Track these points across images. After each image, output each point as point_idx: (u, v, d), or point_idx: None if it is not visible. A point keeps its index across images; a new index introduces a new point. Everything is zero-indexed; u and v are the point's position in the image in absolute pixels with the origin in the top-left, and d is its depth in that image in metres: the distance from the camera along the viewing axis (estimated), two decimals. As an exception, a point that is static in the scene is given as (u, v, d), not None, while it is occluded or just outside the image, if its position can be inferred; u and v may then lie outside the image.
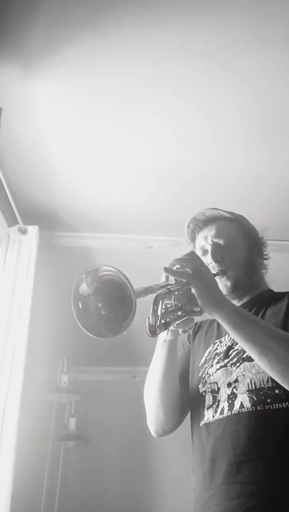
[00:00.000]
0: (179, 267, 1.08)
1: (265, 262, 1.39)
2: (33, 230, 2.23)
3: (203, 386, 1.21)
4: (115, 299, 0.94)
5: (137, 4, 1.44)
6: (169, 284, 1.07)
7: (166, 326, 1.02)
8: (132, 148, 2.01)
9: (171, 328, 1.12)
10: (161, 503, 3.27)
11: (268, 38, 1.55)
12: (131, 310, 0.90)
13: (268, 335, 1.03)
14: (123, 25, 1.50)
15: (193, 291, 1.05)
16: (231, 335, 1.07)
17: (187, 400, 1.28)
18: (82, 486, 3.31)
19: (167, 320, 1.03)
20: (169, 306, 1.08)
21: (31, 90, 1.70)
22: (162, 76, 1.67)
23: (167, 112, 1.83)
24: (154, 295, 1.00)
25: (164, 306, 1.03)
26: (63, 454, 3.40)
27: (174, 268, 1.08)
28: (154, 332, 0.97)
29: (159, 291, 1.00)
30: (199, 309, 1.08)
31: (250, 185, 2.22)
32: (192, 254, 1.15)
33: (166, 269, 1.07)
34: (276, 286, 1.38)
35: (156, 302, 0.98)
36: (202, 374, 1.24)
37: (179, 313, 1.08)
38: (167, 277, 1.09)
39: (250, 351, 1.03)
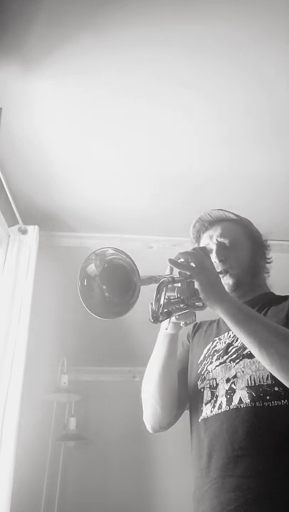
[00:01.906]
0: (183, 260, 1.10)
1: (267, 265, 1.40)
2: (33, 230, 2.24)
3: (202, 382, 1.21)
4: (120, 282, 0.95)
5: (138, 1, 1.44)
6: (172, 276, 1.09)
7: (168, 314, 1.04)
8: (131, 148, 2.01)
9: (173, 320, 1.14)
10: (162, 504, 3.27)
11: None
12: (134, 294, 0.92)
13: (269, 330, 1.04)
14: (123, 23, 1.50)
15: (196, 284, 1.07)
16: (232, 329, 1.08)
17: (185, 397, 1.28)
18: (82, 486, 3.31)
19: (170, 309, 1.05)
20: (172, 297, 1.09)
21: (31, 89, 1.70)
22: (167, 75, 1.66)
23: (166, 112, 1.83)
24: (157, 285, 1.02)
25: (166, 297, 1.05)
26: (63, 454, 3.40)
27: (179, 261, 1.09)
28: (156, 318, 1.00)
29: (162, 279, 1.02)
30: (201, 304, 1.09)
31: (248, 184, 2.21)
32: (197, 249, 1.17)
33: (171, 261, 1.08)
34: (276, 287, 1.38)
35: (159, 290, 1.00)
36: (201, 371, 1.24)
37: (181, 305, 1.09)
38: (171, 269, 1.11)
39: (250, 346, 1.04)
